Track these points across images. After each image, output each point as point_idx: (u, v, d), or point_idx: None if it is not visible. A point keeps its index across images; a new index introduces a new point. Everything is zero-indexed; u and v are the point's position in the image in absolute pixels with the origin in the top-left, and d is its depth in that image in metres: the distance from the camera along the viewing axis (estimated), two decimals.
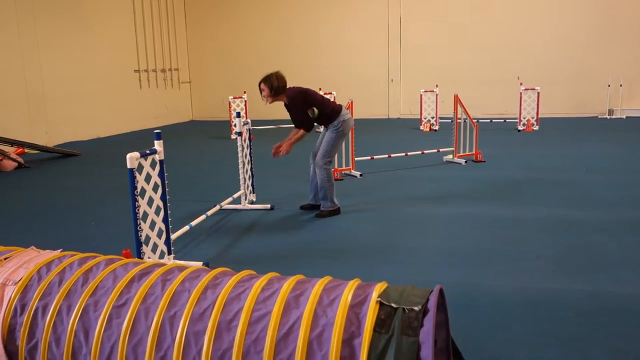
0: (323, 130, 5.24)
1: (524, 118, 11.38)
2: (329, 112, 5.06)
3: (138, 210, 3.40)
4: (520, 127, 11.34)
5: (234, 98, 11.55)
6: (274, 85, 4.89)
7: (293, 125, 5.14)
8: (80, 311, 1.89)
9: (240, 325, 1.70)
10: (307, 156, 5.32)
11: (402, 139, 10.55)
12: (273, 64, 15.33)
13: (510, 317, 3.01)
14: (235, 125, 5.57)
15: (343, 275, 2.30)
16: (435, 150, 8.10)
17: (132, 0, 13.60)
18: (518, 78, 13.41)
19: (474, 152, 7.95)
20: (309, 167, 5.38)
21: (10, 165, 8.33)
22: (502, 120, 12.83)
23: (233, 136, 11.11)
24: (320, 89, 11.99)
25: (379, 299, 1.67)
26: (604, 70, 13.46)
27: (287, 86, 5.01)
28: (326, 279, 1.86)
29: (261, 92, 4.97)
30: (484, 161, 7.82)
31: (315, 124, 5.14)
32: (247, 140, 5.64)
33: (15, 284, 2.00)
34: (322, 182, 5.13)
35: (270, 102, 5.04)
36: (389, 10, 14.65)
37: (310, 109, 4.95)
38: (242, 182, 5.55)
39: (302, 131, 5.07)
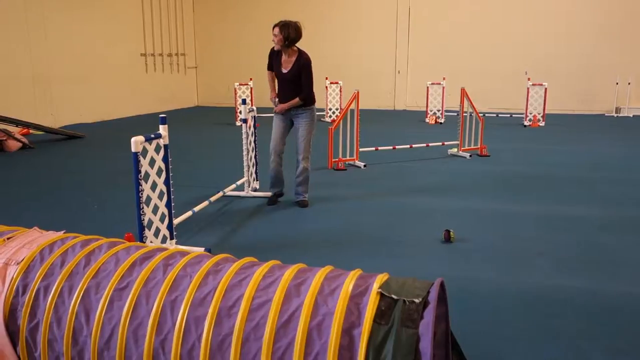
0: (280, 120, 5.12)
1: (530, 113, 11.33)
2: (313, 95, 5.08)
3: (141, 194, 3.41)
4: (526, 123, 11.29)
5: (240, 85, 11.52)
6: (291, 37, 4.82)
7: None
8: (81, 293, 1.90)
9: (240, 312, 1.71)
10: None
11: (407, 131, 10.51)
12: None
13: (509, 312, 3.01)
14: (240, 112, 5.55)
15: (344, 265, 2.30)
16: (440, 143, 8.08)
17: None
18: (526, 73, 13.33)
19: (479, 146, 7.93)
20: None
21: (14, 145, 8.35)
22: (509, 115, 12.77)
23: (238, 123, 11.10)
24: (326, 78, 11.95)
25: (379, 290, 1.67)
26: (612, 68, 13.35)
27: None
28: (327, 269, 1.86)
29: (274, 37, 4.86)
30: (489, 155, 7.79)
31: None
32: (251, 128, 5.64)
33: (18, 264, 2.01)
34: (308, 174, 5.16)
35: (278, 49, 4.94)
36: (398, 1, 14.55)
37: None
38: (245, 169, 5.56)
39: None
